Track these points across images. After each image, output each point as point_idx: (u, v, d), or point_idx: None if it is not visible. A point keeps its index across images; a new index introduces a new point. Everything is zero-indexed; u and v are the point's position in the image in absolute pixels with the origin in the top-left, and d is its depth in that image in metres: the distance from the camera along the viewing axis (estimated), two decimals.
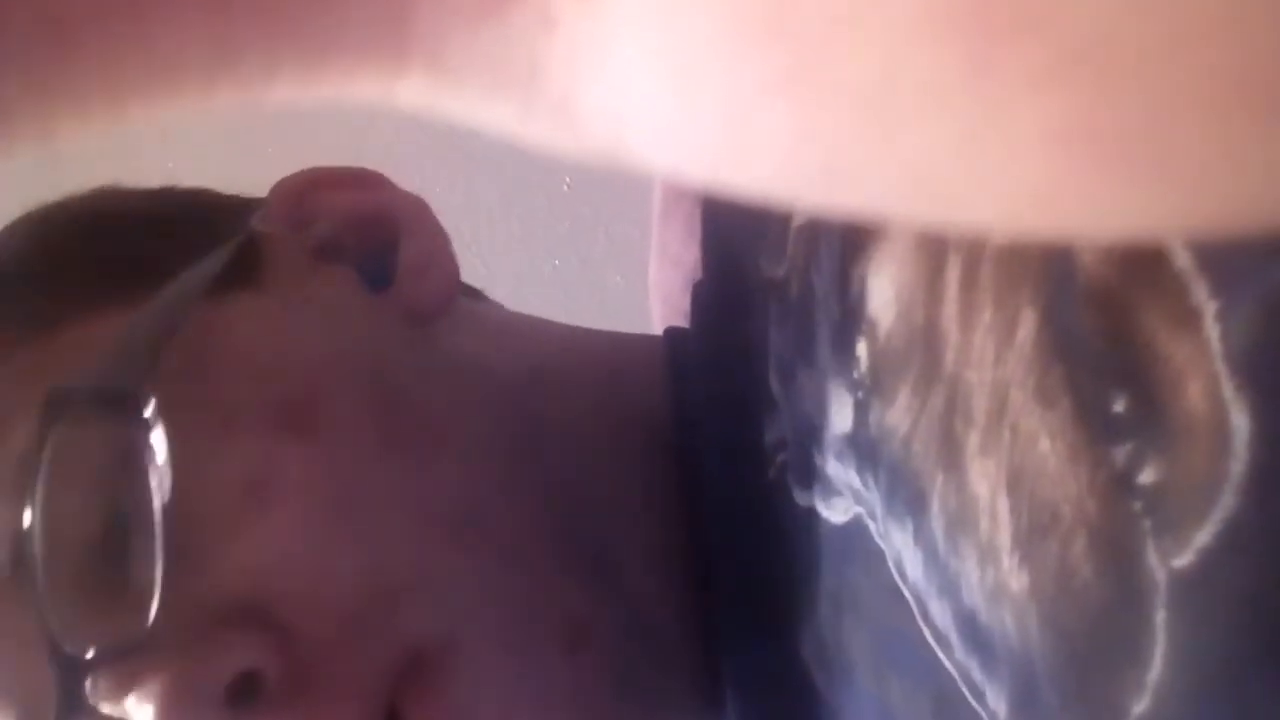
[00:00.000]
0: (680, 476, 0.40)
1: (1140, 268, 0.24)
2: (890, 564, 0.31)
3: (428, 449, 0.37)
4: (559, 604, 0.37)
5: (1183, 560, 0.23)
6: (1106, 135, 0.13)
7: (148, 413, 0.34)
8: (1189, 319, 0.23)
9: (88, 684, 0.34)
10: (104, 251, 0.41)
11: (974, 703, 0.29)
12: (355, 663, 0.35)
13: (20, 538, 0.34)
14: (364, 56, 0.16)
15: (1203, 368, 0.23)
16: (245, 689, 0.34)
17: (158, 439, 0.34)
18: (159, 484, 0.34)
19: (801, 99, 0.14)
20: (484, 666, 0.36)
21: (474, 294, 0.47)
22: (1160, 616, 0.23)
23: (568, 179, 1.07)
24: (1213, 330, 0.23)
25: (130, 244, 0.41)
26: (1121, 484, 0.24)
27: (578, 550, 0.38)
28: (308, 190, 0.43)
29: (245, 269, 0.40)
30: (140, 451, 0.34)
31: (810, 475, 0.35)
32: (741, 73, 0.14)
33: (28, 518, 0.34)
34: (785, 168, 0.15)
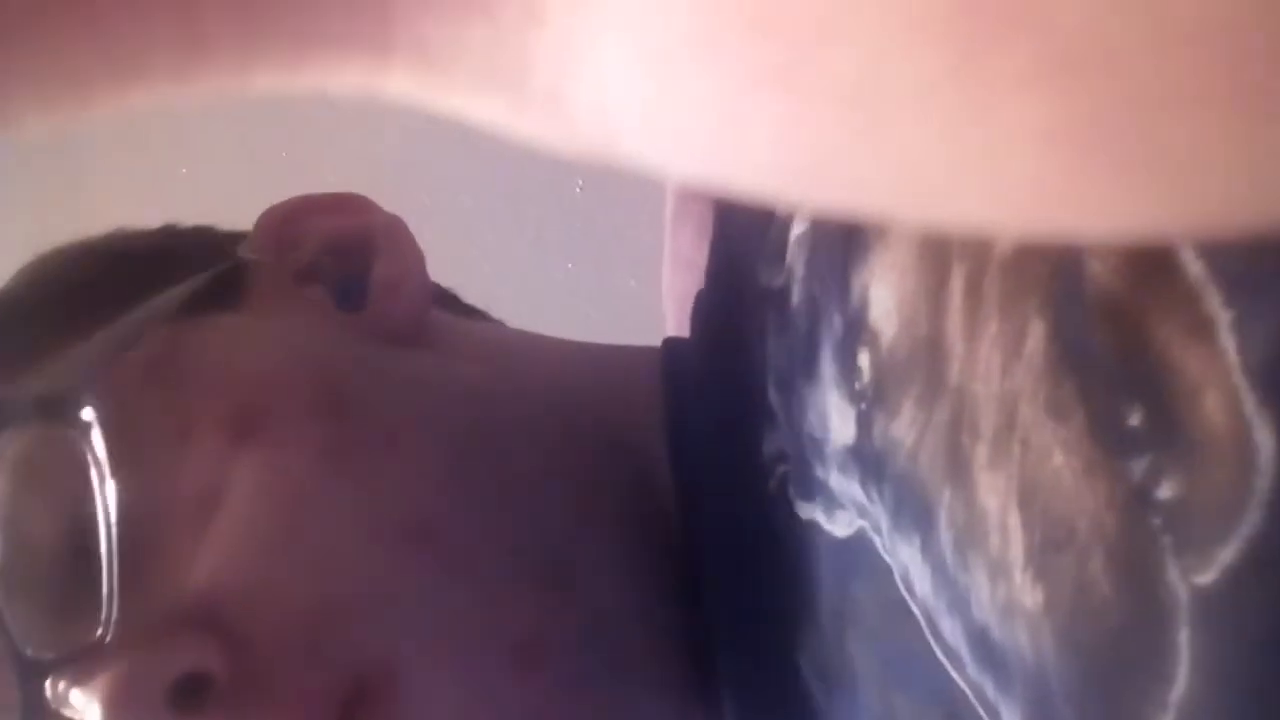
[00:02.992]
0: (675, 489, 0.40)
1: (1150, 277, 0.24)
2: (897, 579, 0.31)
3: (379, 459, 0.37)
4: (510, 620, 0.37)
5: (1206, 577, 0.23)
6: (1092, 133, 0.13)
7: (86, 416, 0.35)
8: (1202, 329, 0.23)
9: (47, 687, 0.35)
10: (95, 285, 0.42)
11: None
12: (304, 676, 0.35)
13: None
14: (345, 50, 0.16)
15: (1220, 380, 0.22)
16: (193, 691, 0.34)
17: (99, 442, 0.35)
18: (103, 489, 0.35)
19: (788, 95, 0.14)
20: (432, 691, 0.36)
21: (472, 312, 0.48)
22: (1183, 634, 0.23)
23: (580, 181, 1.07)
24: (1229, 341, 0.22)
25: (121, 277, 0.42)
26: (1139, 499, 0.24)
27: (537, 562, 0.38)
28: (290, 217, 0.44)
29: (227, 292, 0.41)
30: (84, 456, 0.35)
31: (812, 488, 0.34)
32: (728, 69, 0.14)
33: None
34: (772, 163, 0.15)
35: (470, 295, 0.51)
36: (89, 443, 0.35)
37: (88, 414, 0.35)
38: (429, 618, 0.36)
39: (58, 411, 0.36)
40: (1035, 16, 0.12)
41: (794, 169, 0.15)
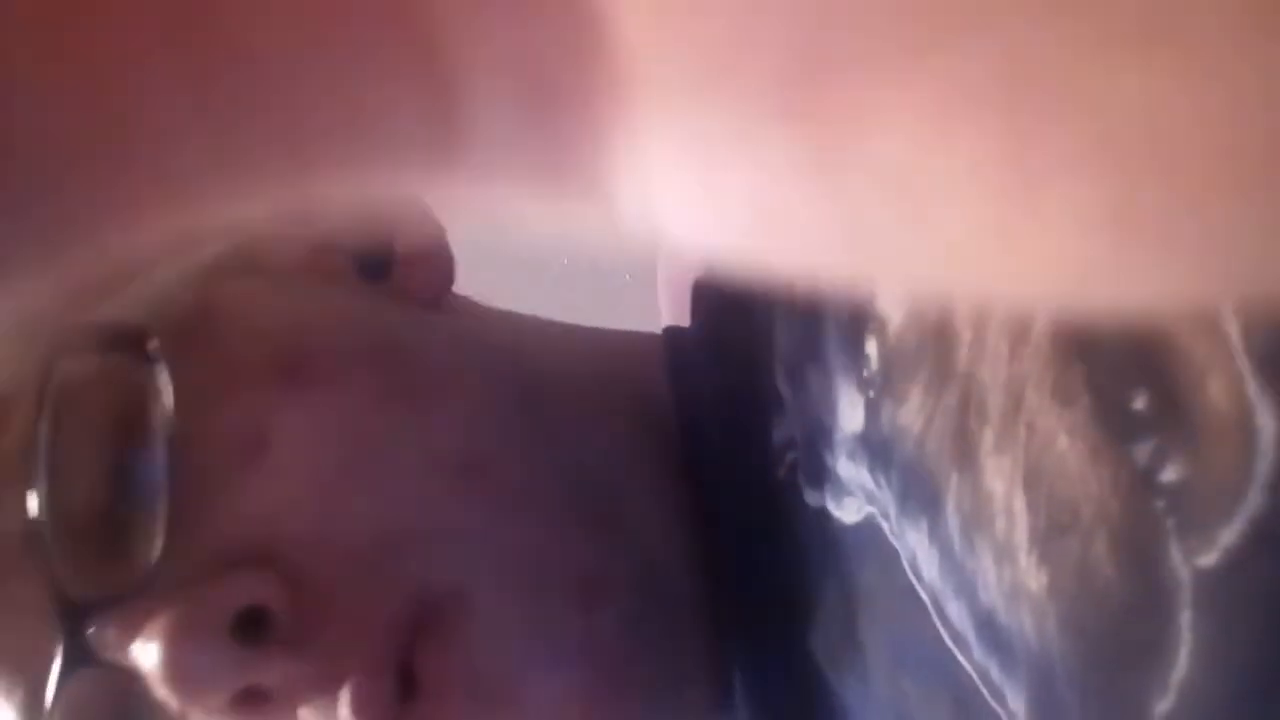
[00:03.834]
0: (686, 472, 0.40)
1: None
2: (905, 564, 0.31)
3: (429, 398, 0.38)
4: (569, 555, 0.37)
5: (1208, 559, 0.23)
6: (1146, 216, 0.13)
7: (153, 350, 0.35)
8: (1206, 315, 0.23)
9: (91, 632, 0.34)
10: None
11: (993, 703, 0.29)
12: (364, 609, 0.35)
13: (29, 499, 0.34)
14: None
15: (1224, 365, 0.23)
16: (254, 627, 0.34)
17: (164, 379, 0.35)
18: (164, 426, 0.34)
19: (833, 181, 0.14)
20: (495, 619, 0.36)
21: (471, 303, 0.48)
22: (1185, 616, 0.24)
23: None
24: (1232, 326, 0.23)
25: None
26: (1143, 482, 0.24)
27: (588, 503, 0.38)
28: None
29: (246, 258, 0.41)
30: (146, 391, 0.35)
31: (821, 475, 0.35)
32: (770, 156, 0.14)
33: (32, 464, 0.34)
34: (819, 251, 0.15)
35: (466, 291, 0.50)
36: (154, 376, 0.35)
37: (154, 348, 0.35)
38: (488, 550, 0.36)
39: (126, 343, 0.35)
40: (1086, 100, 0.12)
41: (841, 254, 0.15)
